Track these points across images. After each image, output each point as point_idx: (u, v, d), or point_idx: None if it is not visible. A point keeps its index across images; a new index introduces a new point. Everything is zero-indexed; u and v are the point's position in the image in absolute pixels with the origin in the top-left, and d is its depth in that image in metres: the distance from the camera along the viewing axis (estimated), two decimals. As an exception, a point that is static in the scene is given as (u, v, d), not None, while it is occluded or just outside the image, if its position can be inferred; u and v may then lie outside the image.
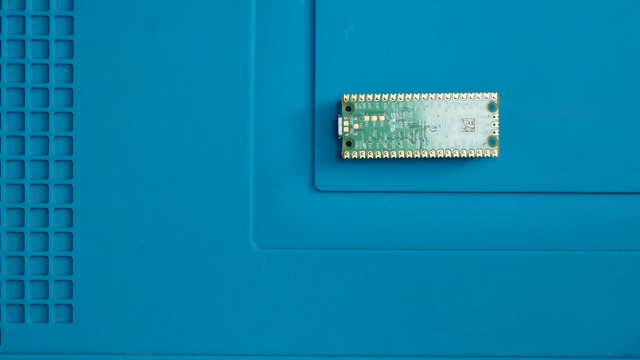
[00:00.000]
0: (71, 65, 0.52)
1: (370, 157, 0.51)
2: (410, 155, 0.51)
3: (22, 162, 0.53)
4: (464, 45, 0.52)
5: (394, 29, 0.52)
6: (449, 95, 0.50)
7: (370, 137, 0.51)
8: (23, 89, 0.53)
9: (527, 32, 0.52)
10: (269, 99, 0.52)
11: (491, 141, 0.50)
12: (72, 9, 0.52)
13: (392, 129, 0.51)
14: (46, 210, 0.53)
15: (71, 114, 0.52)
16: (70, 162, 0.52)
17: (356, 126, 0.51)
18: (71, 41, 0.52)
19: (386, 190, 0.52)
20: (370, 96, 0.51)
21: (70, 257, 0.52)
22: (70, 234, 0.52)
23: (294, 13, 0.52)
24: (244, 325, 0.52)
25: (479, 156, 0.50)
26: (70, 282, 0.52)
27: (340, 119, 0.51)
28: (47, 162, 0.53)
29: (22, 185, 0.53)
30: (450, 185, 0.52)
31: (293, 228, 0.52)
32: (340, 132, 0.51)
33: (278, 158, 0.52)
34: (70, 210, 0.52)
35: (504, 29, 0.52)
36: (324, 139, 0.52)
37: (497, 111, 0.50)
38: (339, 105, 0.52)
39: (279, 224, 0.52)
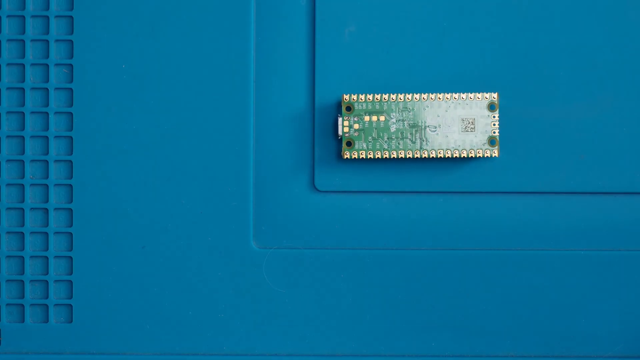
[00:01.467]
0: (71, 65, 0.52)
1: (370, 157, 0.51)
2: (410, 155, 0.51)
3: (22, 162, 0.53)
4: (464, 45, 0.52)
5: (394, 29, 0.52)
6: (449, 95, 0.50)
7: (370, 137, 0.51)
8: (23, 89, 0.53)
9: (527, 32, 0.52)
10: (269, 99, 0.52)
11: (491, 141, 0.50)
12: (72, 9, 0.52)
13: (392, 129, 0.51)
14: (46, 210, 0.53)
15: (71, 114, 0.52)
16: (70, 162, 0.52)
17: (356, 126, 0.51)
18: (71, 41, 0.52)
19: (386, 190, 0.52)
20: (370, 96, 0.51)
21: (70, 257, 0.52)
22: (70, 234, 0.52)
23: (294, 13, 0.52)
24: (244, 325, 0.52)
25: (479, 156, 0.50)
26: (70, 282, 0.52)
27: (340, 119, 0.51)
28: (47, 162, 0.53)
29: (22, 185, 0.53)
30: (450, 185, 0.52)
31: (293, 228, 0.52)
32: (340, 132, 0.51)
33: (278, 158, 0.52)
34: (70, 210, 0.52)
35: (504, 29, 0.52)
36: (324, 139, 0.52)
37: (497, 111, 0.50)
38: (339, 105, 0.52)
39: (279, 224, 0.52)
